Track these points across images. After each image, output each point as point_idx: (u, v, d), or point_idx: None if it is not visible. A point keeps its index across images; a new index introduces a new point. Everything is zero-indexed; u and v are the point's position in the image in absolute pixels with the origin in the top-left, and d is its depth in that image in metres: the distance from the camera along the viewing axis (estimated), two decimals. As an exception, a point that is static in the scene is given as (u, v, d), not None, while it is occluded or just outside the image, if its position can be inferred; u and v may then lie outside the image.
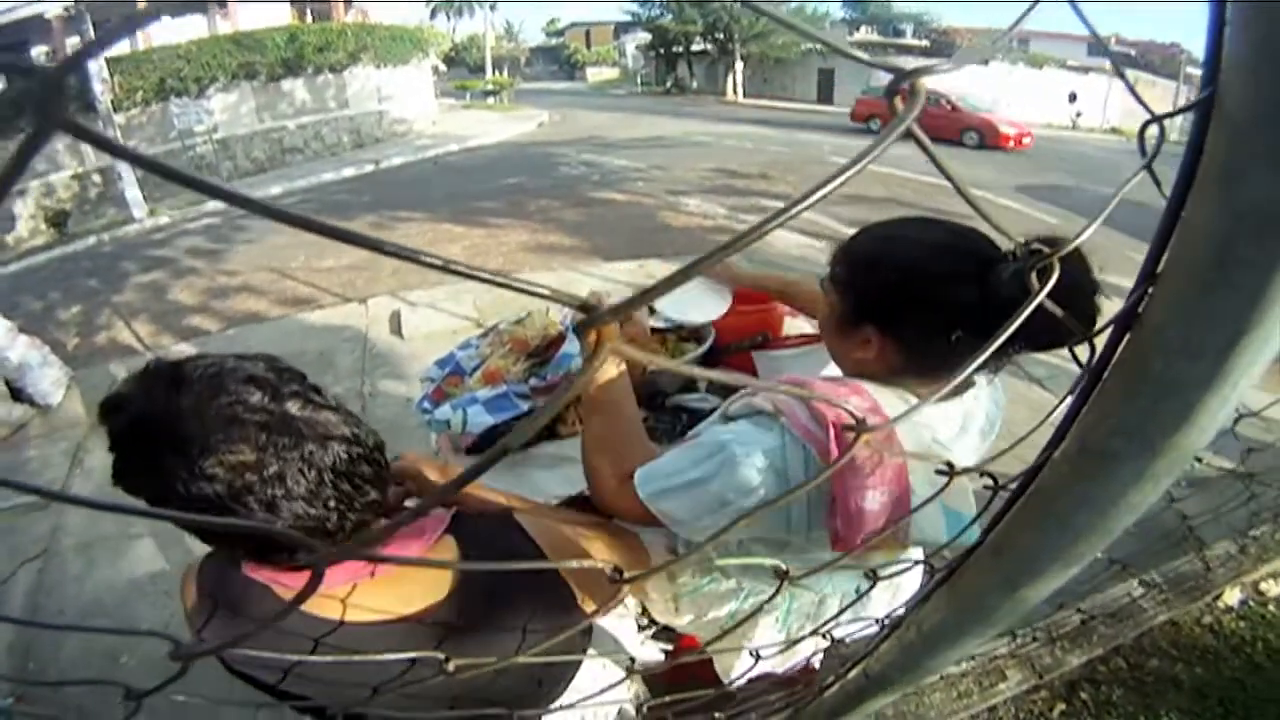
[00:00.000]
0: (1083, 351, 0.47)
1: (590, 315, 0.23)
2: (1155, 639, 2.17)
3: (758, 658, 0.99)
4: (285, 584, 0.75)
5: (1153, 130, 0.40)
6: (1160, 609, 2.19)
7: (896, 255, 0.90)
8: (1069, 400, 0.47)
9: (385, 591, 0.78)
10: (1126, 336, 0.39)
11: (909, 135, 0.25)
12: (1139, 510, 0.41)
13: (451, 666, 0.50)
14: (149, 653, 2.45)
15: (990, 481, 0.54)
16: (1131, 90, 0.39)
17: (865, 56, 0.28)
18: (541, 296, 0.24)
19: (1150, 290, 0.35)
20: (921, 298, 0.86)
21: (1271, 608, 2.29)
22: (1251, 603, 2.31)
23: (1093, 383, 0.40)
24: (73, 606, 2.73)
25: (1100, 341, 0.43)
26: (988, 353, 0.41)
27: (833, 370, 1.12)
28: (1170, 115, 0.39)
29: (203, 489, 0.63)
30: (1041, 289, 0.42)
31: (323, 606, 0.76)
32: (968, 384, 0.98)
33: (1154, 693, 1.99)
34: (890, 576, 0.77)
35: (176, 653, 0.32)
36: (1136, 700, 1.97)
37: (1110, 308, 0.69)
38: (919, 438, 0.90)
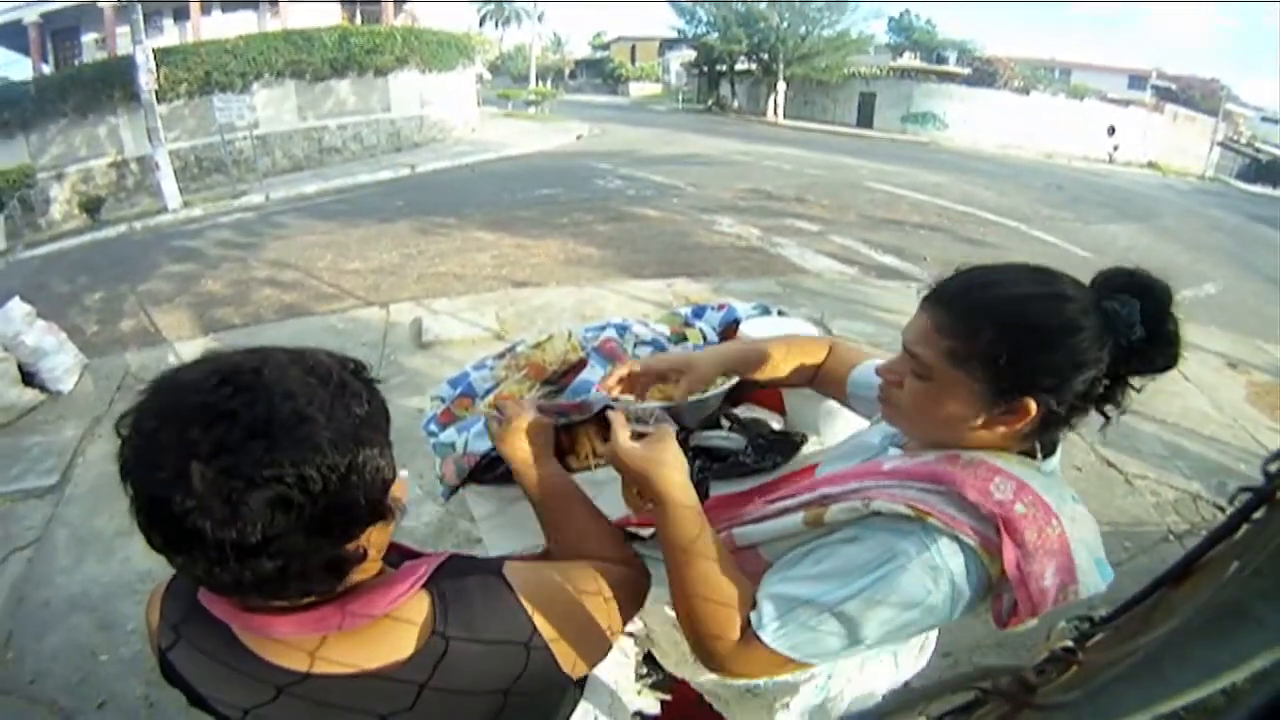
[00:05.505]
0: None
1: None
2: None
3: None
4: (241, 625, 0.75)
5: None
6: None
7: (1059, 316, 0.84)
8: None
9: (350, 644, 0.76)
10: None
11: None
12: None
13: None
14: (126, 653, 2.44)
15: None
16: None
17: None
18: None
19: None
20: (1086, 357, 0.83)
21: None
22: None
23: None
24: (58, 598, 2.72)
25: None
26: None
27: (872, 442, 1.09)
28: None
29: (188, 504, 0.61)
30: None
31: (287, 657, 0.75)
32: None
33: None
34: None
35: None
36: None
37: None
38: (1060, 494, 0.85)
